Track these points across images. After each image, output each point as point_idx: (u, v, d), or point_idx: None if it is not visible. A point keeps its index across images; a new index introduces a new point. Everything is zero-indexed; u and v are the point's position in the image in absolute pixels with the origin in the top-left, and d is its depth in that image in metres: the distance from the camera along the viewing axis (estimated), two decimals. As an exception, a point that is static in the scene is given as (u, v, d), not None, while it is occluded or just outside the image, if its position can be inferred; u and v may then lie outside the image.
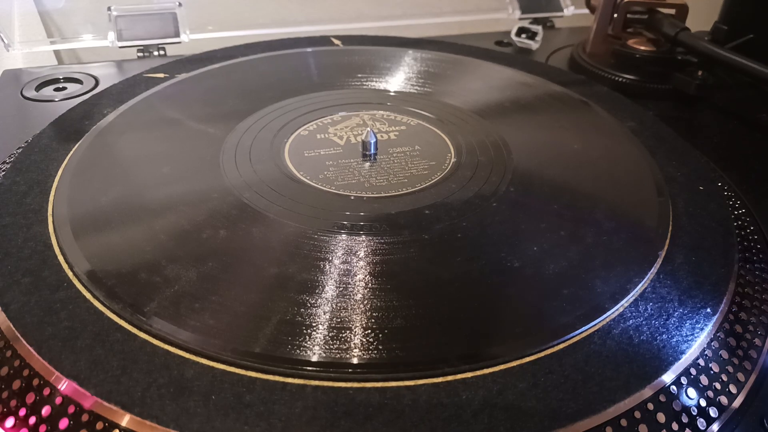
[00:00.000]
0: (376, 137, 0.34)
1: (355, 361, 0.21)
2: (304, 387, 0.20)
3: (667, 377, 0.21)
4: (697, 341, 0.23)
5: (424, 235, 0.27)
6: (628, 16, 0.49)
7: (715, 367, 0.23)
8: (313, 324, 0.22)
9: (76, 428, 0.20)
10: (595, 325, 0.23)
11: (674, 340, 0.23)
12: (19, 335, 0.22)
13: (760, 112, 0.44)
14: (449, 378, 0.21)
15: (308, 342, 0.22)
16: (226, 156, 0.33)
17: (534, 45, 0.56)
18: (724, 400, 0.22)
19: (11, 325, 0.22)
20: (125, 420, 0.19)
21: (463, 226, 0.28)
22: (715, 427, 0.21)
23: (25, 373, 0.21)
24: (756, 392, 0.23)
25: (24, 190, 0.30)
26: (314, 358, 0.21)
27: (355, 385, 0.20)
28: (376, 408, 0.20)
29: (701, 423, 0.21)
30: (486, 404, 0.20)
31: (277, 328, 0.22)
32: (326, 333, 0.22)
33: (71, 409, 0.20)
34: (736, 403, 0.22)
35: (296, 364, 0.21)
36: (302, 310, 0.23)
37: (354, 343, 0.22)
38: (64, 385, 0.20)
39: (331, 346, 0.22)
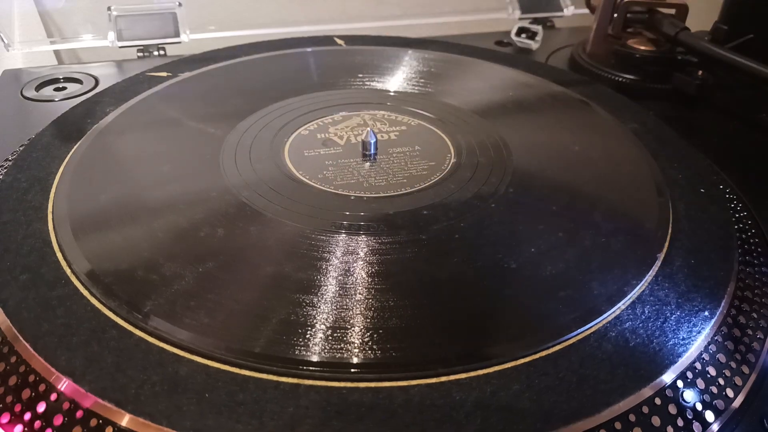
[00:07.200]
0: (376, 137, 0.34)
1: (348, 360, 0.21)
2: (297, 386, 0.20)
3: (664, 380, 0.21)
4: (694, 344, 0.23)
5: (422, 236, 0.27)
6: (628, 15, 0.49)
7: (714, 369, 0.23)
8: (308, 323, 0.22)
9: (71, 425, 0.20)
10: (590, 327, 0.23)
11: (670, 342, 0.23)
12: (15, 331, 0.22)
13: (760, 113, 0.44)
14: (443, 379, 0.21)
15: (302, 341, 0.22)
16: (226, 155, 0.33)
17: (534, 45, 0.56)
18: (723, 400, 0.22)
19: (8, 321, 0.22)
20: (119, 417, 0.19)
21: (461, 227, 0.28)
22: (715, 427, 0.21)
23: (22, 369, 0.21)
24: (756, 392, 0.23)
25: (25, 188, 0.30)
26: (308, 358, 0.21)
27: (348, 384, 0.20)
28: (369, 408, 0.20)
29: (697, 427, 0.21)
30: (479, 405, 0.20)
31: (271, 328, 0.22)
32: (320, 333, 0.22)
33: (66, 406, 0.20)
34: (736, 403, 0.22)
35: (290, 364, 0.21)
36: (297, 309, 0.23)
37: (348, 343, 0.22)
38: (59, 382, 0.20)
39: (325, 346, 0.22)
